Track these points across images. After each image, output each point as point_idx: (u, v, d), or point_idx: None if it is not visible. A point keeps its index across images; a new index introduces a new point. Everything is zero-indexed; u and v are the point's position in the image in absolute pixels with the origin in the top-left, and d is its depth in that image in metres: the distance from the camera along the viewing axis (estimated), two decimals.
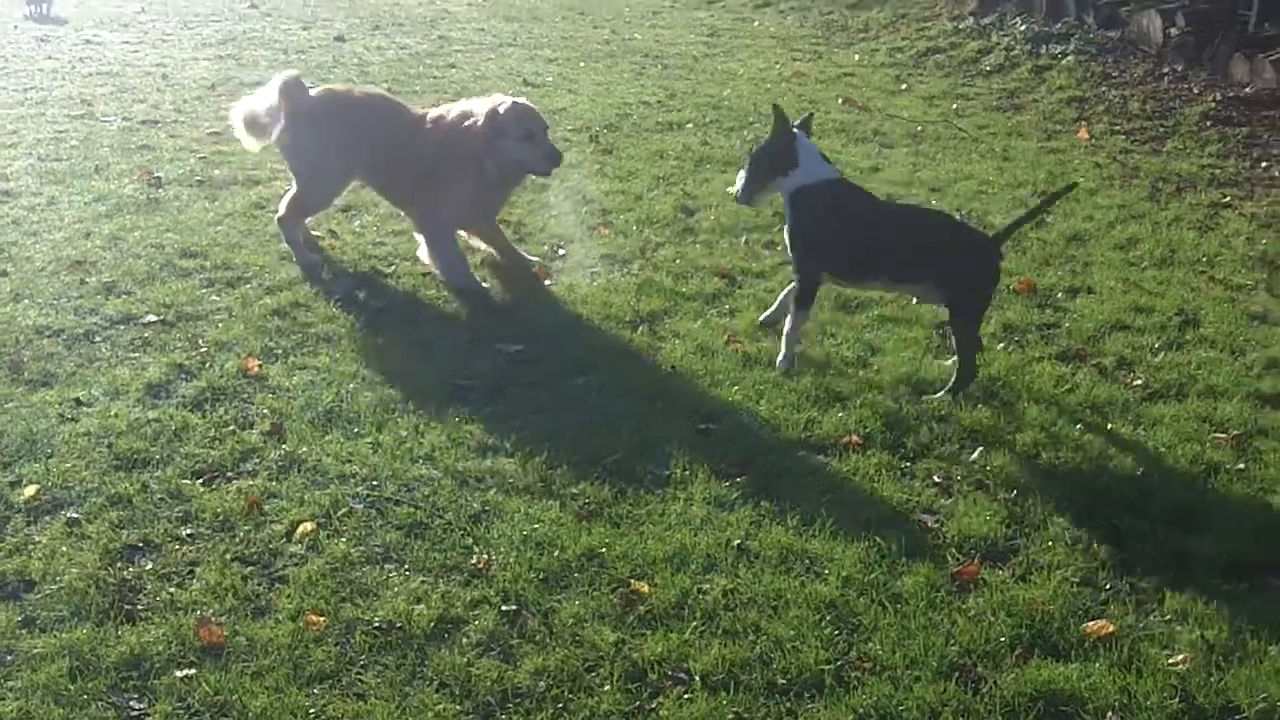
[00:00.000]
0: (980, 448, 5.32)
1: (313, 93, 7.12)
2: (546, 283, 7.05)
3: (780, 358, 5.97)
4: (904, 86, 13.07)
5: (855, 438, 5.35)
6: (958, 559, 4.54)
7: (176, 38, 14.88)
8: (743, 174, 6.04)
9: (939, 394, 5.71)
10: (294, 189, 7.16)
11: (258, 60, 13.58)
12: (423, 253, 7.08)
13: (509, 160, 6.74)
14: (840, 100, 12.21)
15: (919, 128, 11.18)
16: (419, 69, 13.35)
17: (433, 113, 7.09)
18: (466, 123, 6.77)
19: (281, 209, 7.18)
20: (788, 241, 5.96)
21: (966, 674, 3.94)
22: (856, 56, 14.70)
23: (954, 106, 12.12)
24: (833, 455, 5.25)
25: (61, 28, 15.47)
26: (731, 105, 11.95)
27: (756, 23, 17.30)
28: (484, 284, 6.95)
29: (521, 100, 6.87)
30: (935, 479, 5.10)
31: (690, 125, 11.09)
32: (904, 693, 3.83)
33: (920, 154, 10.28)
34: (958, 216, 6.74)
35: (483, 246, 7.33)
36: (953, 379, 5.73)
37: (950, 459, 5.25)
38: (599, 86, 12.77)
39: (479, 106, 6.86)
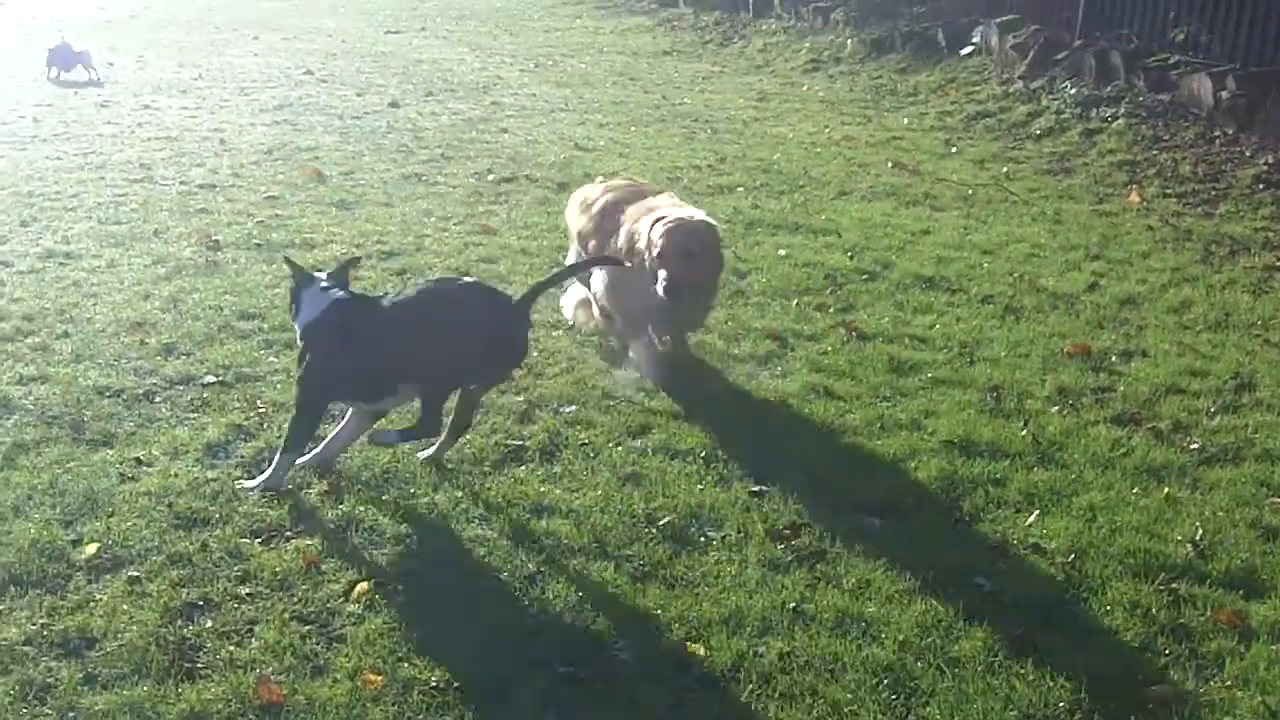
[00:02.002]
0: (1036, 511, 5.29)
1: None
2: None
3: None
4: (953, 150, 13.11)
5: (909, 500, 5.34)
6: (1015, 623, 4.51)
7: (234, 103, 15.12)
8: None
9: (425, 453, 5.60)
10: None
11: (313, 125, 13.78)
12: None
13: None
14: (890, 164, 12.26)
15: (969, 191, 11.21)
16: (472, 134, 13.50)
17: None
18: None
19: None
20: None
21: None
22: (905, 120, 14.75)
23: (1004, 170, 12.14)
24: (887, 518, 5.24)
25: (71, 94, 15.71)
26: (781, 169, 12.02)
27: (805, 87, 17.40)
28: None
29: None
30: (990, 542, 5.08)
31: (740, 189, 11.16)
32: None
33: (971, 217, 10.30)
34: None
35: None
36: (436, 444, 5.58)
37: (1005, 522, 5.23)
38: (650, 150, 12.88)
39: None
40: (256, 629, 4.35)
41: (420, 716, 3.95)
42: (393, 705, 3.99)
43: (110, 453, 5.59)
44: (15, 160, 11.69)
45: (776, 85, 17.65)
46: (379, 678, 4.10)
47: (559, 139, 13.40)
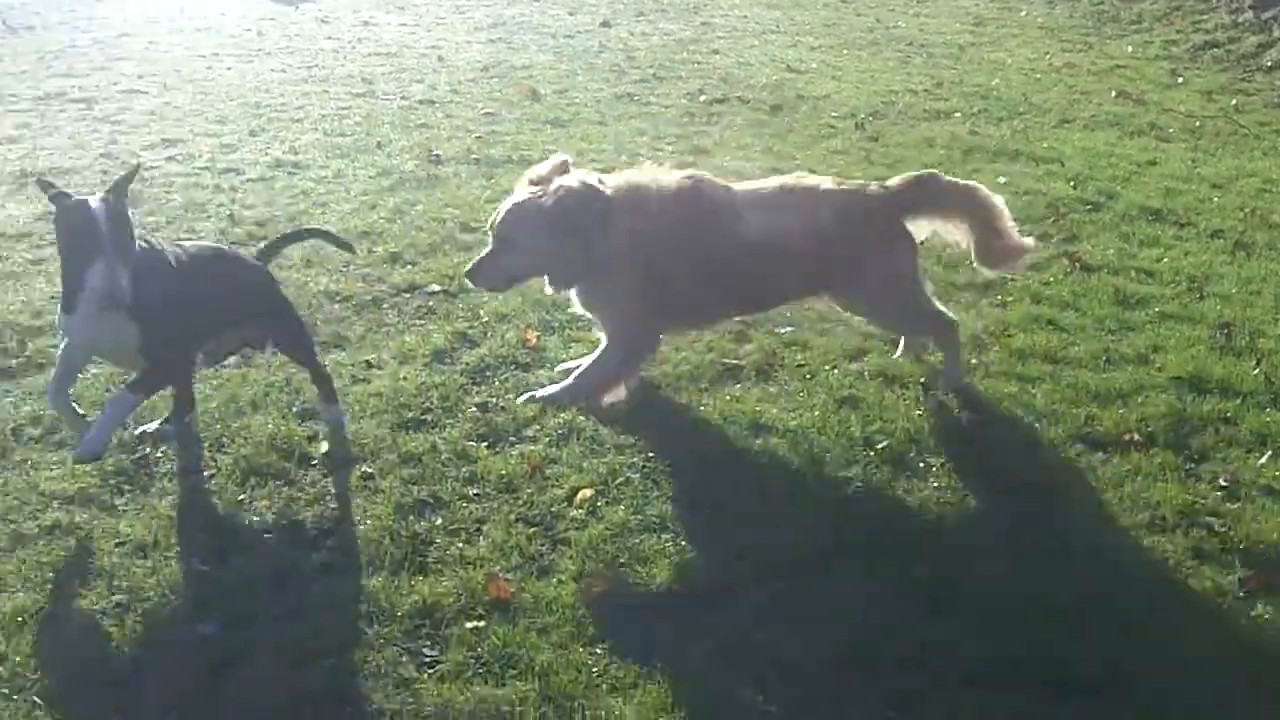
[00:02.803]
0: (1269, 452, 5.12)
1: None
2: None
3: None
4: (1179, 80, 12.65)
5: (1137, 436, 5.22)
6: (1245, 566, 4.39)
7: (450, 21, 15.34)
8: None
9: None
10: None
11: (527, 44, 13.90)
12: None
13: None
14: (1113, 93, 11.87)
15: (1197, 122, 10.81)
16: (683, 55, 13.47)
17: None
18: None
19: None
20: None
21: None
22: (1129, 48, 14.26)
23: (1233, 102, 11.68)
24: (1112, 454, 5.13)
25: (291, 9, 16.00)
26: (1000, 95, 11.75)
27: (1024, 12, 16.92)
28: None
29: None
30: (1222, 482, 4.93)
31: (958, 114, 10.95)
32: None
33: (1199, 149, 9.94)
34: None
35: None
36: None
37: (1237, 462, 5.08)
38: (863, 74, 12.70)
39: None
40: (484, 528, 4.47)
41: (640, 621, 4.02)
42: (615, 609, 4.06)
43: (342, 355, 5.78)
44: (243, 72, 12.06)
45: (993, 10, 17.20)
46: (602, 581, 4.18)
47: (770, 60, 13.29)
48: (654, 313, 5.48)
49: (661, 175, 5.53)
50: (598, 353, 5.54)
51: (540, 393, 5.43)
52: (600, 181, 5.40)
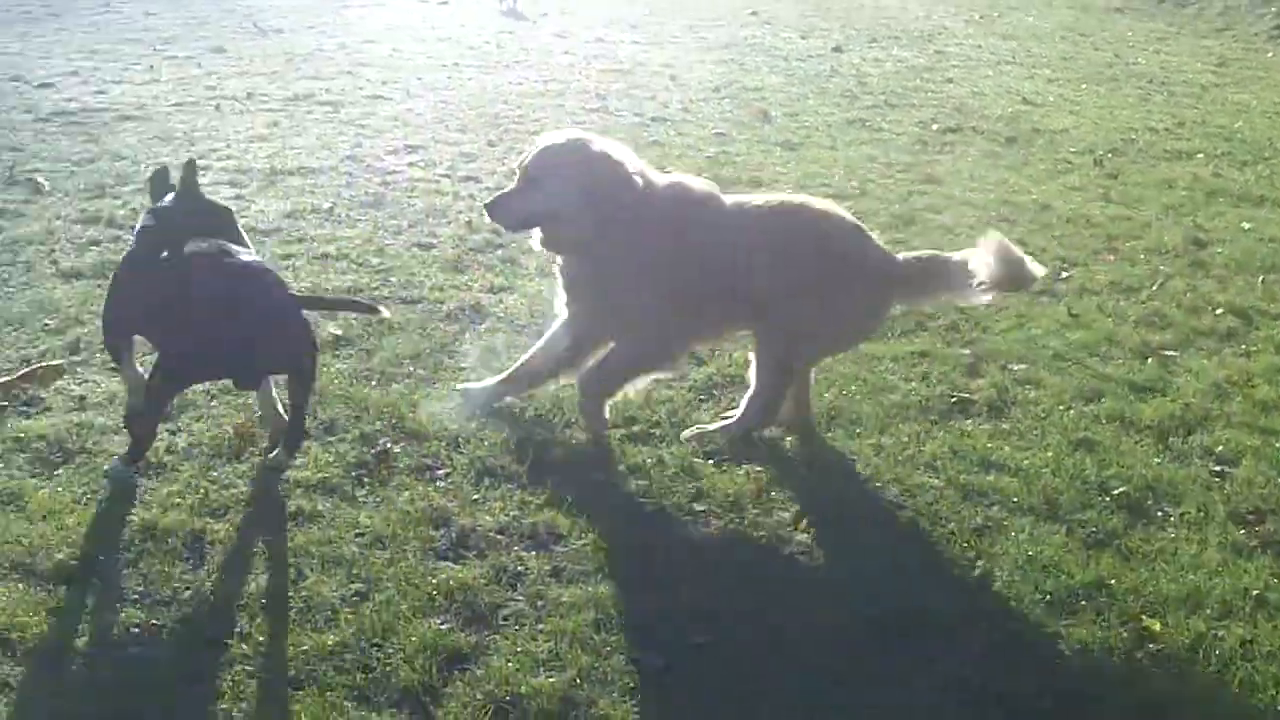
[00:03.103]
0: None
1: None
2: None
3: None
4: None
5: None
6: None
7: (683, 40, 15.49)
8: None
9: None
10: None
11: (759, 65, 13.97)
12: None
13: None
14: None
15: None
16: (916, 82, 13.37)
17: None
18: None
19: None
20: None
21: None
22: None
23: None
24: None
25: (527, 24, 16.30)
26: (1245, 138, 11.38)
27: (1270, 54, 16.34)
28: None
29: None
30: None
31: (1200, 155, 10.63)
32: None
33: None
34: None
35: None
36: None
37: None
38: (1101, 109, 12.43)
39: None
40: (709, 546, 4.50)
41: (864, 650, 3.99)
42: (846, 637, 4.04)
43: None
44: (483, 83, 12.38)
45: (1238, 50, 16.66)
46: (824, 612, 4.16)
47: (1005, 92, 13.10)
48: (670, 315, 5.19)
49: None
50: (606, 354, 5.33)
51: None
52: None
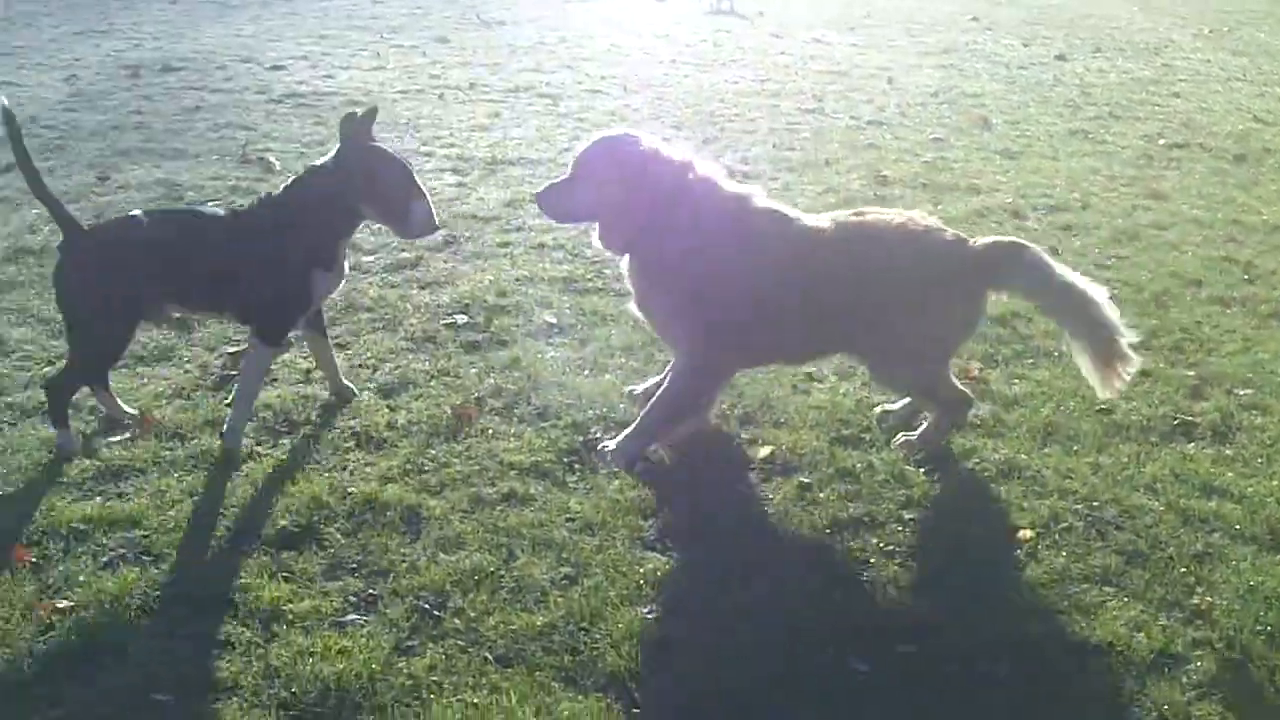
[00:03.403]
0: None
1: None
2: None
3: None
4: None
5: None
6: None
7: (900, 44, 15.35)
8: None
9: None
10: None
11: (979, 72, 13.76)
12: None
13: None
14: None
15: None
16: (1141, 95, 13.02)
17: None
18: None
19: None
20: None
21: None
22: None
23: None
24: None
25: (745, 22, 16.29)
26: None
27: None
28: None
29: None
30: None
31: None
32: None
33: None
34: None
35: None
36: None
37: None
38: None
39: None
40: (918, 555, 4.44)
41: (1079, 676, 3.90)
42: (1048, 659, 3.96)
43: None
44: (699, 81, 12.44)
45: None
46: (1040, 629, 4.08)
47: (1235, 109, 12.66)
48: (718, 334, 4.90)
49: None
50: (665, 380, 5.11)
51: (609, 446, 4.99)
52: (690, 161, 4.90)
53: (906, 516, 4.67)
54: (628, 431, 5.00)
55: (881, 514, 4.67)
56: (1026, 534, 4.57)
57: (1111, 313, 4.90)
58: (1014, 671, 3.85)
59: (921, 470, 4.98)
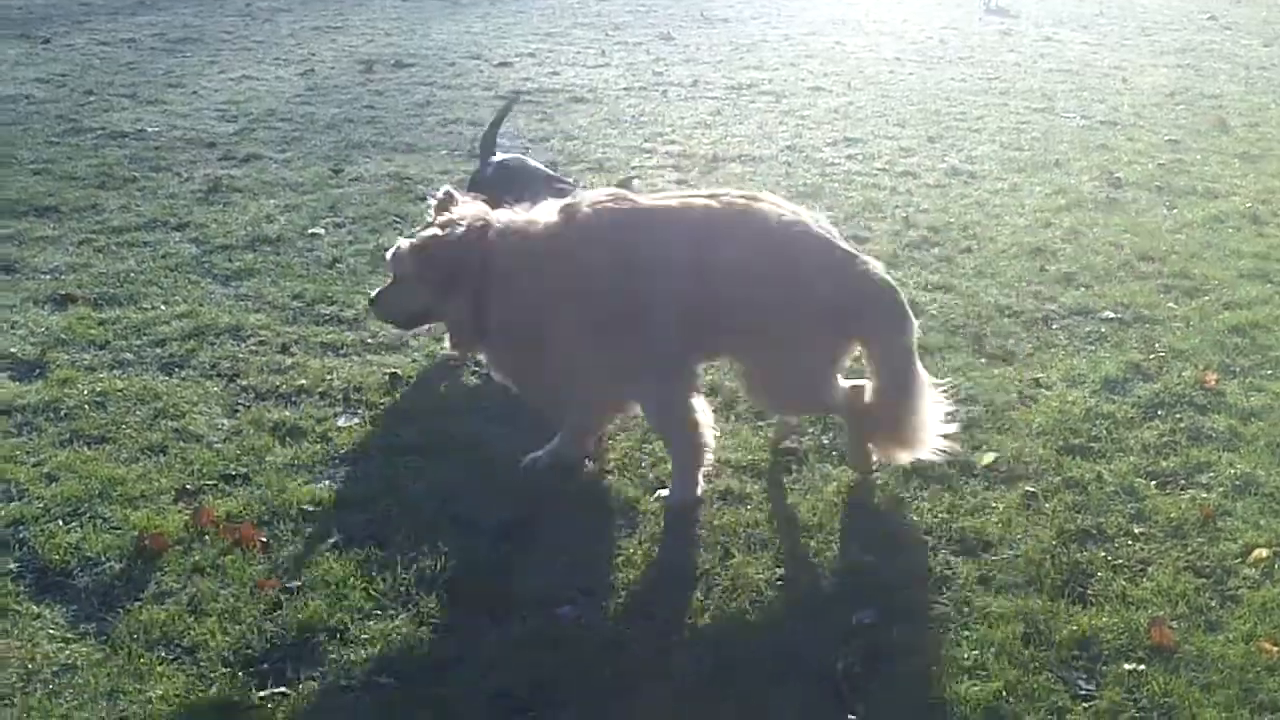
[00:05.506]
0: None
1: None
2: None
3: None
4: None
5: None
6: None
7: (1135, 43, 14.88)
8: None
9: None
10: None
11: (1216, 72, 13.27)
12: None
13: None
14: None
15: None
16: None
17: None
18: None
19: None
20: None
21: None
22: None
23: None
24: None
25: (1019, 22, 15.97)
26: None
27: None
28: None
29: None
30: None
31: None
32: None
33: None
34: None
35: None
36: None
37: None
38: None
39: None
40: (1149, 570, 4.28)
41: None
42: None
43: (1009, 370, 5.72)
44: (924, 79, 12.25)
45: None
46: (1275, 648, 3.88)
47: None
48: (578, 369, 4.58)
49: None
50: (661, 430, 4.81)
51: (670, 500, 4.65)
52: (485, 221, 4.59)
53: (1136, 530, 4.51)
54: (676, 483, 4.64)
55: (1110, 527, 4.52)
56: (1263, 553, 4.37)
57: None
58: (1254, 697, 3.68)
59: (1153, 483, 4.81)
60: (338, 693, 3.63)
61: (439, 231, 4.55)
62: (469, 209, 4.65)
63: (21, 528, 4.32)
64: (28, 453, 4.81)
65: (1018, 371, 5.71)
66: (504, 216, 4.61)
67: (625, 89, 11.52)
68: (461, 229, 4.53)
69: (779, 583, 4.15)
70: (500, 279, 4.49)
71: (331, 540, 4.33)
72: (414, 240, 4.63)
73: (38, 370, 5.48)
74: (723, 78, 11.98)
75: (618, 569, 4.20)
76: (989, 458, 4.97)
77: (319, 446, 4.94)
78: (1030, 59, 13.53)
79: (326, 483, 4.69)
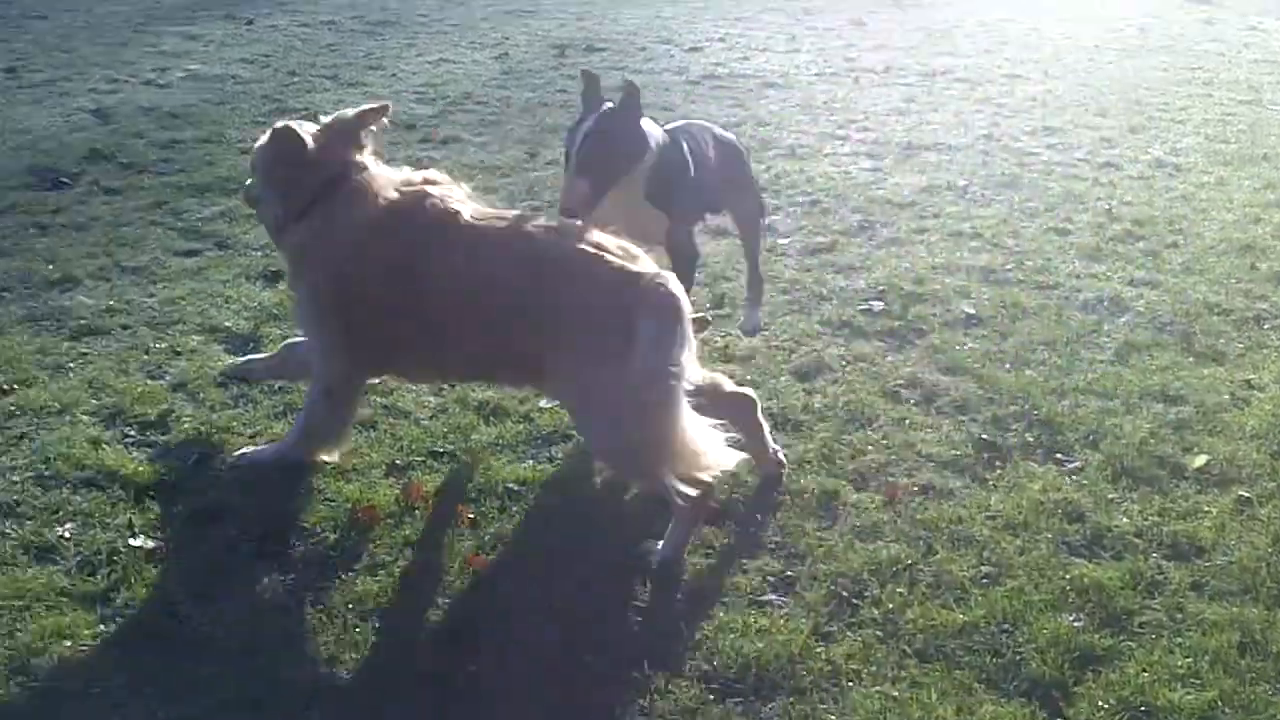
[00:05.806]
0: None
1: None
2: None
3: None
4: None
5: None
6: None
7: None
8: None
9: None
10: None
11: None
12: None
13: None
14: None
15: None
16: None
17: None
18: None
19: None
20: None
21: None
22: None
23: None
24: None
25: (1222, 11, 15.47)
26: None
27: None
28: None
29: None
30: None
31: None
32: None
33: None
34: None
35: None
36: None
37: None
38: None
39: None
40: None
41: None
42: None
43: (1220, 370, 5.57)
44: (1124, 67, 11.96)
45: None
46: None
47: None
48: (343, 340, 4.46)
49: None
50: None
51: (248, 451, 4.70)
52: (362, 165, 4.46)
53: None
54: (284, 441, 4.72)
55: None
56: None
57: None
58: None
59: None
60: (541, 671, 3.68)
61: (299, 132, 4.45)
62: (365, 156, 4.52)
63: (237, 495, 4.48)
64: (244, 424, 4.98)
65: (1229, 372, 5.55)
66: (378, 170, 4.50)
67: (816, 74, 11.46)
68: (314, 146, 4.45)
69: (984, 580, 4.09)
70: (321, 210, 4.41)
71: (535, 519, 4.41)
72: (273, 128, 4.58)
73: (251, 344, 5.65)
74: (916, 64, 11.83)
75: (819, 560, 4.18)
76: (1200, 460, 4.83)
77: (522, 426, 5.01)
78: (1234, 49, 13.10)
79: (530, 462, 4.76)
